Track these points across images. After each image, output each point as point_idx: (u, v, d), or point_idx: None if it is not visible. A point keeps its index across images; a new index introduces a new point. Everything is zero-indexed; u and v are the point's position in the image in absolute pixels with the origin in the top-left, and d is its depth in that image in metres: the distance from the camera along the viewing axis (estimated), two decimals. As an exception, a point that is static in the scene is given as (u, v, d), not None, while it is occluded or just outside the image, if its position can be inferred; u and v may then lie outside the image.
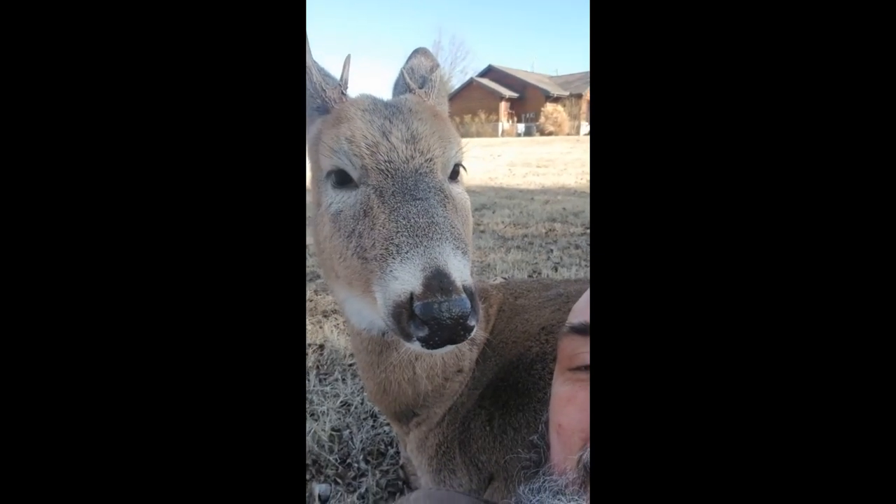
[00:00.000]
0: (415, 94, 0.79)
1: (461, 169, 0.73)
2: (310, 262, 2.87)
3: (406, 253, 0.52)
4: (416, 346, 0.50)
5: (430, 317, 0.47)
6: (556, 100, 28.05)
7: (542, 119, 25.96)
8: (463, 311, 0.47)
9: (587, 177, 7.33)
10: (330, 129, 0.66)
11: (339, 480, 1.21)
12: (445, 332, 0.47)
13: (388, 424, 1.42)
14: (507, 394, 0.77)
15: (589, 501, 0.43)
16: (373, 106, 0.68)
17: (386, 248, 0.53)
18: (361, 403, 1.52)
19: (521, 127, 28.06)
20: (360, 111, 0.66)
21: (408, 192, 0.58)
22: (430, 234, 0.53)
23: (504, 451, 0.76)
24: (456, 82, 32.06)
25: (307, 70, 0.72)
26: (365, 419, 1.45)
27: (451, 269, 0.50)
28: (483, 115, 27.01)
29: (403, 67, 0.91)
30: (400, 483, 1.19)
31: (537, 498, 0.46)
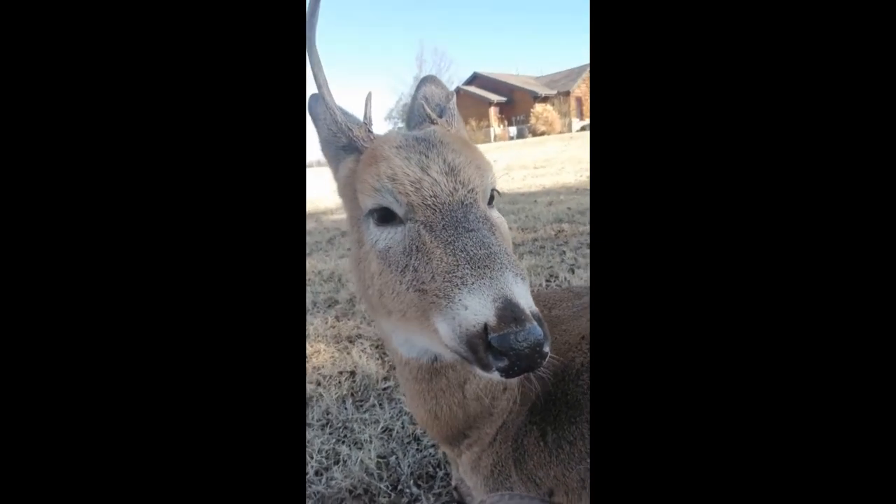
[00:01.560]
0: (438, 124, 0.82)
1: (496, 193, 0.76)
2: (325, 287, 2.91)
3: (472, 284, 0.53)
4: (494, 376, 0.53)
5: (508, 348, 0.49)
6: (545, 99, 28.21)
7: (532, 120, 26.09)
8: (538, 339, 0.49)
9: (587, 173, 7.35)
10: (368, 168, 0.68)
11: (394, 508, 1.22)
12: (524, 361, 0.49)
13: (433, 446, 1.44)
14: (556, 407, 0.79)
15: None
16: (405, 142, 0.70)
17: (450, 281, 0.55)
18: (402, 427, 1.54)
19: (512, 130, 28.19)
20: (394, 148, 0.69)
21: (458, 224, 0.60)
22: (491, 265, 0.55)
23: (561, 466, 0.78)
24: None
25: (331, 111, 0.75)
26: (409, 443, 1.47)
27: (519, 298, 0.52)
28: (474, 123, 27.18)
29: (416, 97, 0.94)
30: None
31: None
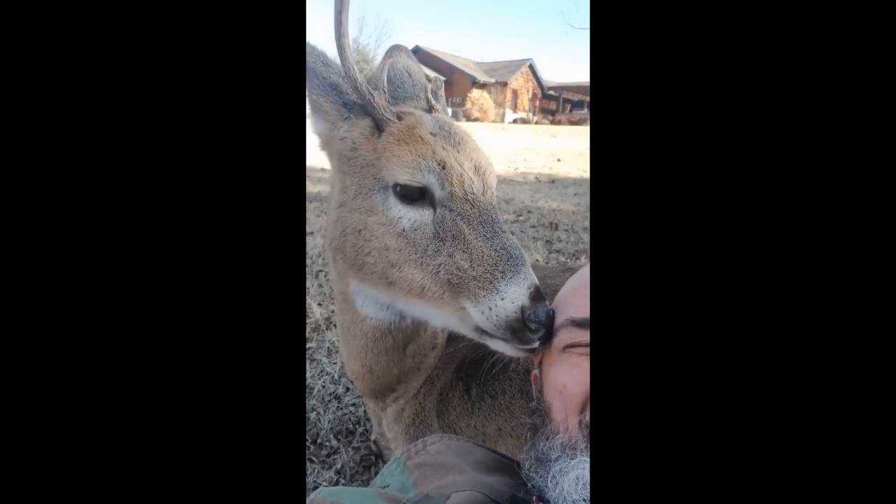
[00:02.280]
0: (438, 111, 0.86)
1: None
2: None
3: (511, 279, 0.64)
4: (532, 346, 0.63)
5: (544, 321, 0.60)
6: (483, 86, 28.54)
7: (468, 105, 26.30)
8: (552, 309, 0.62)
9: (515, 165, 7.68)
10: (405, 146, 0.71)
11: (313, 459, 1.28)
12: (551, 324, 0.60)
13: (353, 405, 1.50)
14: (483, 366, 0.90)
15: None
16: (438, 130, 0.74)
17: (491, 273, 0.64)
18: (323, 387, 1.58)
19: (448, 111, 28.16)
20: (430, 135, 0.73)
21: (494, 223, 0.69)
22: (523, 261, 0.66)
23: (482, 417, 0.89)
24: (380, 60, 31.17)
25: (349, 67, 0.72)
26: (329, 401, 1.52)
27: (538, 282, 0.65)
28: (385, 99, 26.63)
29: (388, 68, 0.92)
30: (373, 457, 1.29)
31: (548, 455, 0.52)
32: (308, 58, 0.76)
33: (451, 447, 0.59)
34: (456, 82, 29.35)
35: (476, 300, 0.65)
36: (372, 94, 0.73)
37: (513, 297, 0.63)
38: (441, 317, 0.72)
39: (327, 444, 1.34)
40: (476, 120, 24.31)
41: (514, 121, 26.82)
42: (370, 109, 0.74)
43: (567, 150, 10.27)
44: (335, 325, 1.83)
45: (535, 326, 0.61)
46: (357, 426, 1.43)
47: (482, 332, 0.68)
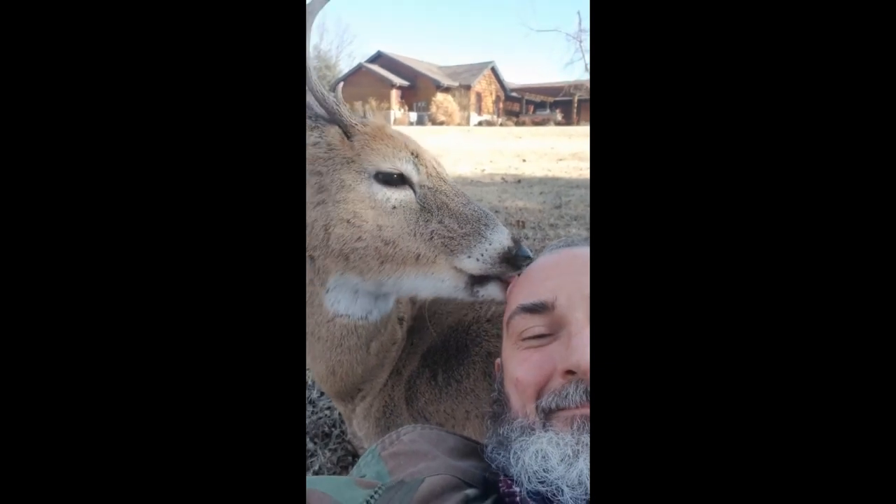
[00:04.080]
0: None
1: None
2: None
3: (494, 227, 0.80)
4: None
5: (529, 254, 0.77)
6: (447, 90, 28.76)
7: (433, 108, 26.45)
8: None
9: (481, 167, 7.79)
10: (380, 141, 0.84)
11: (289, 462, 1.28)
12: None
13: (328, 408, 1.51)
14: (448, 353, 0.94)
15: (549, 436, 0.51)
16: (396, 131, 0.90)
17: (477, 228, 0.80)
18: (297, 393, 1.58)
19: (413, 116, 28.25)
20: (393, 132, 0.88)
21: (461, 195, 0.85)
22: (492, 216, 0.83)
23: (450, 401, 0.93)
24: (343, 67, 31.09)
25: (318, 91, 0.85)
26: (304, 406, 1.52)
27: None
28: (374, 103, 26.59)
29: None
30: (350, 458, 1.31)
31: (509, 437, 0.55)
32: None
33: (425, 436, 0.61)
34: (420, 86, 29.47)
35: (469, 252, 0.79)
36: (339, 106, 0.84)
37: (499, 240, 0.79)
38: (433, 281, 0.82)
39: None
40: (442, 123, 24.47)
41: (480, 123, 27.12)
42: (338, 119, 0.85)
43: (532, 151, 10.49)
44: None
45: (523, 261, 0.76)
46: (333, 429, 1.44)
47: (475, 282, 0.80)
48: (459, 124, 24.96)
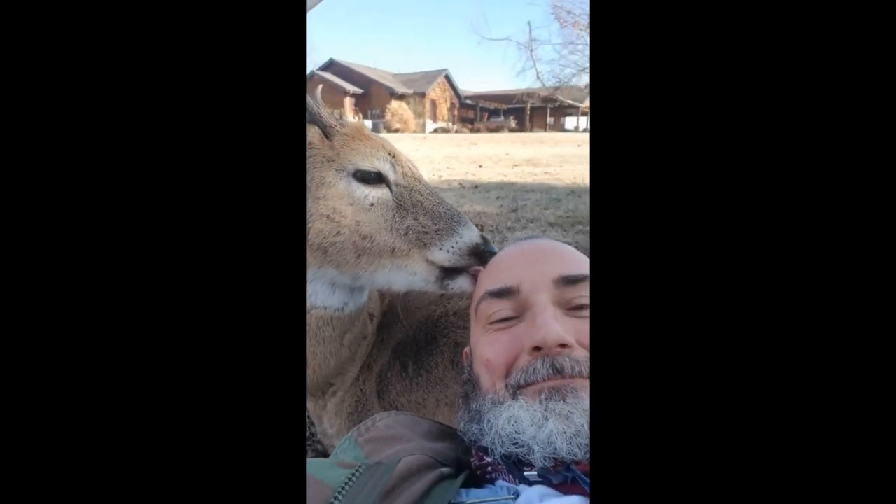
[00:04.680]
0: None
1: None
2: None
3: (464, 225, 0.87)
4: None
5: (495, 250, 0.82)
6: (401, 97, 28.82)
7: (388, 116, 26.40)
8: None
9: (439, 173, 7.89)
10: (359, 142, 0.89)
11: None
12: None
13: (296, 412, 1.51)
14: (417, 345, 0.99)
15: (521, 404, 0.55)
16: (372, 132, 0.96)
17: (449, 225, 0.86)
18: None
19: (368, 123, 28.00)
20: (370, 133, 0.93)
21: (434, 193, 0.91)
22: (463, 215, 0.90)
23: (421, 391, 0.98)
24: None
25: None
26: (271, 412, 1.51)
27: None
28: (328, 111, 26.18)
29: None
30: (320, 458, 1.32)
31: (481, 411, 0.58)
32: None
33: (400, 421, 0.65)
34: (374, 94, 29.36)
35: (441, 245, 0.85)
36: (319, 108, 0.90)
37: (469, 235, 0.86)
38: (405, 274, 0.88)
39: (272, 452, 1.34)
40: (397, 131, 24.46)
41: (435, 130, 27.36)
42: (318, 119, 0.90)
43: (487, 157, 10.73)
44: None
45: (489, 256, 0.81)
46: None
47: (446, 275, 0.86)
48: (415, 131, 25.06)
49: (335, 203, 0.86)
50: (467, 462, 0.61)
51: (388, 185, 0.89)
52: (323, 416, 1.10)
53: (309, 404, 1.12)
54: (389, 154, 0.90)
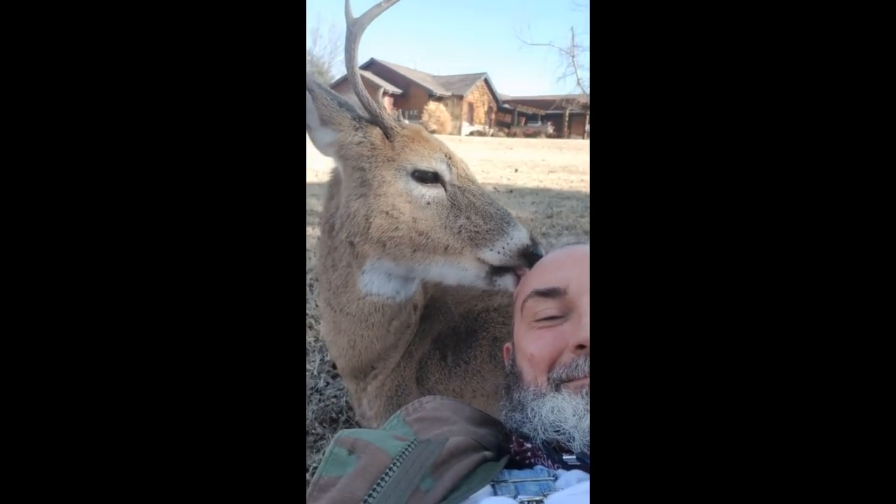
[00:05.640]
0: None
1: None
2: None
3: (514, 226, 0.92)
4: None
5: (543, 253, 0.89)
6: (439, 99, 29.04)
7: (425, 117, 26.64)
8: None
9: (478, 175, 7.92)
10: (418, 143, 0.97)
11: (300, 444, 1.36)
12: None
13: (335, 397, 1.60)
14: (458, 337, 1.05)
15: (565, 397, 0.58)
16: (428, 135, 1.03)
17: (500, 226, 0.92)
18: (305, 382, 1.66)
19: (406, 124, 28.33)
20: (428, 135, 1.00)
21: (486, 194, 0.97)
22: (513, 217, 0.95)
23: (459, 380, 1.04)
24: (336, 72, 31.23)
25: (362, 93, 0.96)
26: (311, 395, 1.61)
27: None
28: (393, 113, 26.63)
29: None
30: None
31: (524, 401, 0.63)
32: (317, 81, 0.97)
33: (446, 404, 0.70)
34: (413, 95, 29.71)
35: (492, 245, 0.91)
36: (381, 110, 0.96)
37: (519, 237, 0.92)
38: (457, 270, 0.94)
39: (313, 431, 1.43)
40: (433, 132, 24.58)
41: (471, 133, 27.42)
42: (380, 121, 0.97)
43: (523, 162, 10.69)
44: (309, 327, 1.92)
45: (537, 259, 0.87)
46: (340, 415, 1.52)
47: (495, 273, 0.91)
48: (451, 133, 25.20)
49: (394, 200, 0.93)
50: (507, 448, 0.65)
51: (444, 185, 0.95)
52: (363, 397, 1.17)
53: (350, 385, 1.19)
54: (446, 156, 0.97)
